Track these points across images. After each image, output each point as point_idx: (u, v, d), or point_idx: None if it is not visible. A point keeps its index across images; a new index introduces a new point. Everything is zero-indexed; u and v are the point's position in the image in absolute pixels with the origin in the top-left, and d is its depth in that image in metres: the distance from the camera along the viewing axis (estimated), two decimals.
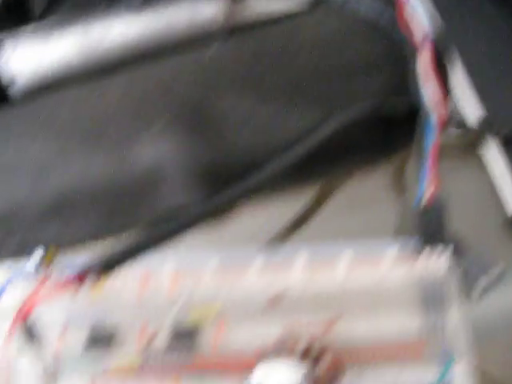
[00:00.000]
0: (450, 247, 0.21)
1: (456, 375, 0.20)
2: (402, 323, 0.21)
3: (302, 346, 0.21)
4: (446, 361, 0.20)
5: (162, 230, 0.21)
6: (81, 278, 0.21)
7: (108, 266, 0.20)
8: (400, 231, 0.24)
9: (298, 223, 0.25)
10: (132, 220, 0.24)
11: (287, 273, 0.22)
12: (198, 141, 0.24)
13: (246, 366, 0.21)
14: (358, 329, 0.21)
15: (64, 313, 0.22)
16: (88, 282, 0.21)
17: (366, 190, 0.26)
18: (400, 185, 0.26)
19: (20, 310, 0.21)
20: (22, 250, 0.24)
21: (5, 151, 0.25)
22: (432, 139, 0.22)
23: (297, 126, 0.24)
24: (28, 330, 0.20)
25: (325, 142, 0.23)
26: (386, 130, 0.25)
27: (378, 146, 0.25)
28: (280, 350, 0.21)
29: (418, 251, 0.21)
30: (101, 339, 0.21)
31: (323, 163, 0.24)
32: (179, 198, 0.24)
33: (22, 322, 0.20)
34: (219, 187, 0.22)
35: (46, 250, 0.21)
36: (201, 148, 0.24)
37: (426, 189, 0.22)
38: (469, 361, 0.20)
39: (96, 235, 0.25)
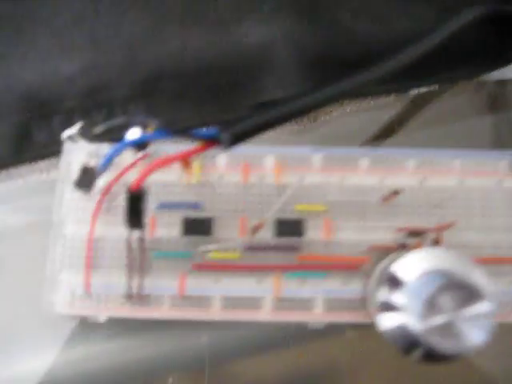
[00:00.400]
0: None
1: None
2: None
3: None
4: None
5: (281, 111, 0.19)
6: (186, 155, 0.18)
7: (234, 139, 0.18)
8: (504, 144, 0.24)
9: (396, 128, 0.24)
10: (228, 107, 0.22)
11: (398, 173, 0.21)
12: (310, 26, 0.23)
13: (354, 264, 0.20)
14: (470, 235, 0.20)
15: (168, 194, 0.20)
16: (194, 160, 0.19)
17: (469, 101, 0.25)
18: (505, 98, 0.25)
19: (112, 183, 0.19)
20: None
21: (96, 25, 0.23)
22: None
23: (415, 21, 0.23)
24: (131, 204, 0.18)
25: (439, 45, 0.22)
26: (500, 39, 0.24)
27: (490, 55, 0.24)
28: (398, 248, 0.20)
29: None
30: (198, 227, 0.20)
31: (433, 68, 0.23)
32: (286, 84, 0.22)
33: (128, 195, 0.18)
34: (328, 76, 0.21)
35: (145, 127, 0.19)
36: (314, 33, 0.23)
37: None
38: None
39: (190, 120, 0.22)
